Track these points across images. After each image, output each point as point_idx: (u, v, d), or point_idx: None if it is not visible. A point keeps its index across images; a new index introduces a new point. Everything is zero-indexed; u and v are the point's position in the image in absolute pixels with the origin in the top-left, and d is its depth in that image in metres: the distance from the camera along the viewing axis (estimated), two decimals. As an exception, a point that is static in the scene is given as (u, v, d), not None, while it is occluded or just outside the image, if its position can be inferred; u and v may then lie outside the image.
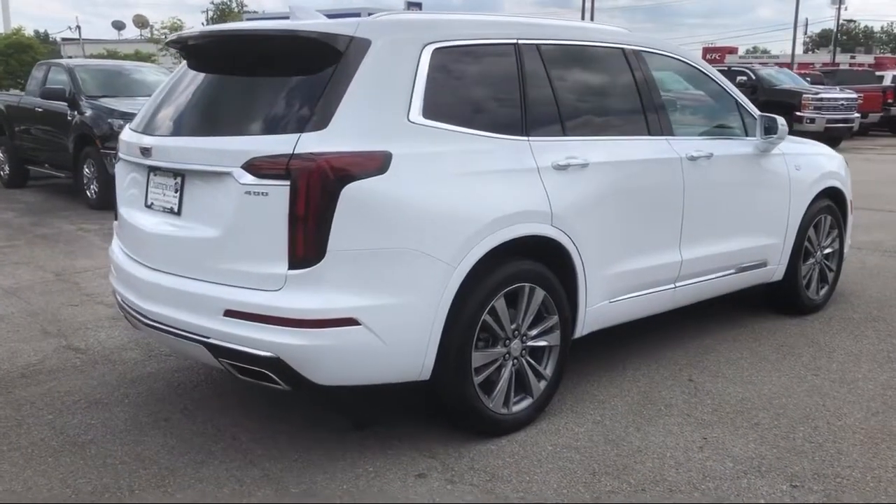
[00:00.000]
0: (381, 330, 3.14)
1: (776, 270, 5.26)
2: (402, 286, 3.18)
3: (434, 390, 3.43)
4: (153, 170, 3.55)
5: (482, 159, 3.48)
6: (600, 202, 3.91)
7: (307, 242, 3.00)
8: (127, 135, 3.86)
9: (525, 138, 3.67)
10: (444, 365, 3.34)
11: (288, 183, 2.99)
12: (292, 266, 3.03)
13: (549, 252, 3.72)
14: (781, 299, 5.49)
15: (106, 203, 9.89)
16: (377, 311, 3.13)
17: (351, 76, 3.16)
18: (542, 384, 3.78)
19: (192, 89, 3.60)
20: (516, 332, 3.62)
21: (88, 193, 10.24)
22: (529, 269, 3.60)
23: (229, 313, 3.16)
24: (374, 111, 3.20)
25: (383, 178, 3.11)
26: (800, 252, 5.37)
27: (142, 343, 4.98)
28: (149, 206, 3.59)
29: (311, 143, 3.03)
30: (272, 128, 3.14)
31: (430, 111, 3.32)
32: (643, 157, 4.22)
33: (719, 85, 4.94)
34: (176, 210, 3.41)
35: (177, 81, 3.75)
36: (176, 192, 3.41)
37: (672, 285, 4.48)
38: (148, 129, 3.62)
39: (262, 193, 3.04)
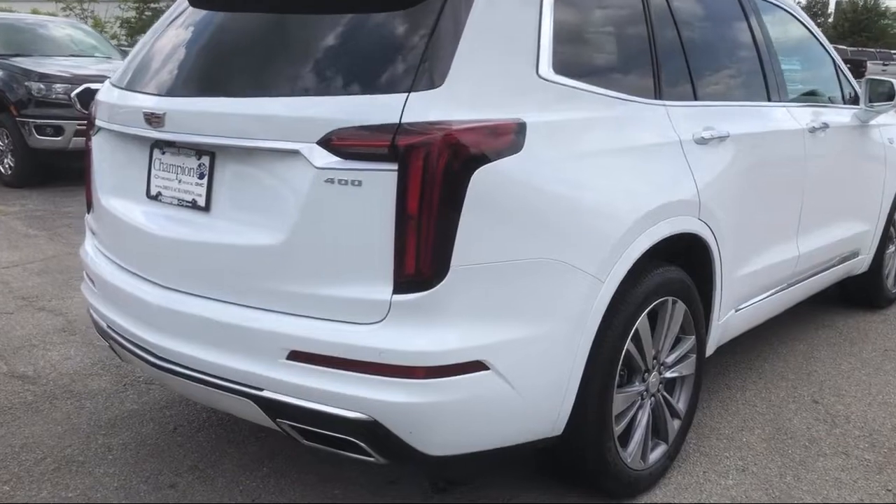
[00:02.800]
0: (514, 374, 2.20)
1: (864, 261, 4.52)
2: (539, 311, 2.25)
3: (564, 449, 2.50)
4: (162, 145, 2.47)
5: (626, 130, 2.56)
6: (739, 185, 3.04)
7: (423, 254, 2.02)
8: (110, 94, 2.75)
9: (660, 102, 2.75)
10: (580, 414, 2.43)
11: (395, 166, 2.00)
12: (400, 288, 2.04)
13: (687, 253, 2.82)
14: (861, 293, 4.77)
15: (24, 180, 8.53)
16: (509, 349, 2.19)
17: (466, 11, 2.16)
18: (676, 424, 2.91)
19: (225, 26, 2.52)
20: (655, 362, 2.73)
21: (2, 168, 8.80)
22: (674, 277, 2.70)
23: (296, 356, 2.16)
24: (499, 61, 2.22)
25: (518, 158, 2.15)
26: (885, 239, 4.64)
27: (109, 365, 3.88)
28: (154, 197, 2.52)
29: (424, 107, 2.04)
30: (363, 84, 2.13)
31: (561, 63, 2.37)
32: (772, 128, 3.37)
33: (821, 43, 4.12)
34: (202, 204, 2.36)
35: (191, 15, 2.64)
36: (201, 177, 2.36)
37: (786, 285, 3.66)
38: (150, 87, 2.53)
39: (353, 182, 2.04)
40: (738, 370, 3.89)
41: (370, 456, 2.21)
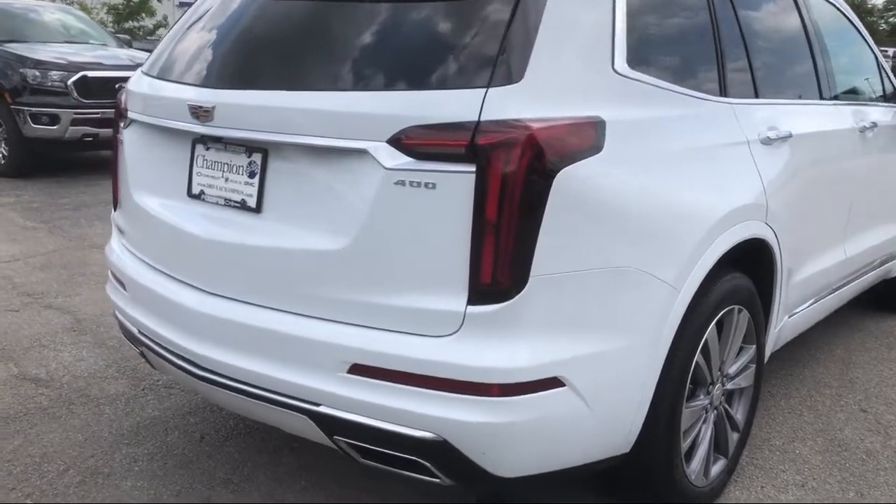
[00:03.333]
0: (590, 390, 2.06)
1: (899, 264, 4.42)
2: (617, 324, 2.11)
3: (630, 468, 2.36)
4: (207, 141, 2.30)
5: (698, 130, 2.43)
6: (798, 188, 2.92)
7: (501, 262, 1.87)
8: (144, 84, 2.57)
9: (727, 100, 2.61)
10: (650, 431, 2.29)
11: (473, 168, 1.84)
12: (476, 299, 1.89)
13: (749, 259, 2.69)
14: (893, 296, 4.67)
15: (18, 169, 8.30)
16: (586, 365, 2.05)
17: (543, 0, 2.01)
18: (735, 437, 2.78)
19: (281, 12, 2.33)
20: (718, 374, 2.60)
21: (-5, 158, 8.55)
22: (741, 284, 2.57)
23: (358, 370, 2.01)
24: (576, 54, 2.08)
25: (598, 159, 2.00)
26: (919, 241, 4.53)
27: (124, 368, 3.71)
28: (196, 196, 2.35)
29: (504, 103, 1.88)
30: (436, 78, 1.97)
31: (635, 58, 2.22)
32: (828, 127, 3.25)
33: (864, 38, 3.99)
34: (252, 204, 2.19)
35: None
36: (252, 176, 2.19)
37: (833, 289, 3.54)
38: (195, 77, 2.35)
39: (426, 185, 1.88)
40: (779, 377, 3.77)
41: (435, 477, 2.06)
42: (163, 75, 2.48)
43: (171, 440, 3.07)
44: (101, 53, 8.92)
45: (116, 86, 8.32)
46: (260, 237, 2.16)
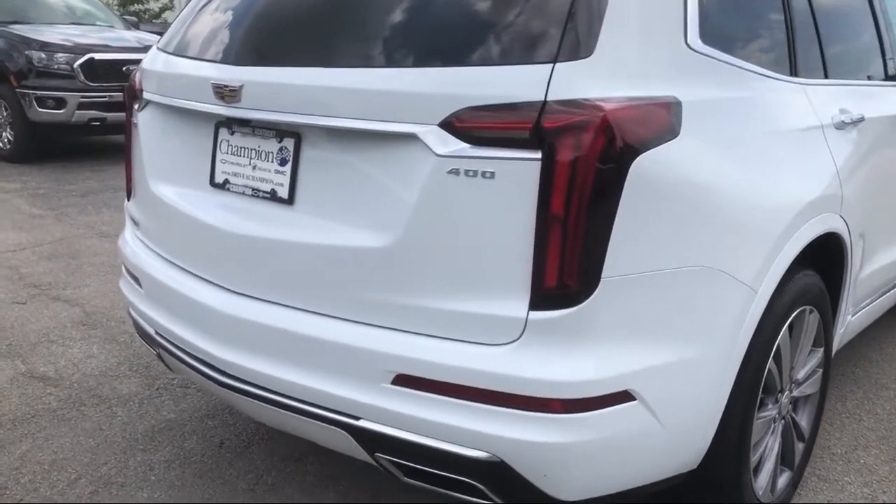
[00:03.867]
0: (661, 404, 1.84)
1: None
2: (692, 330, 1.89)
3: (695, 486, 2.14)
4: (232, 124, 2.08)
5: (772, 113, 2.20)
6: (869, 177, 2.69)
7: (569, 263, 1.65)
8: (160, 62, 2.35)
9: (798, 80, 2.38)
10: (719, 446, 2.07)
11: (538, 154, 1.62)
12: (539, 304, 1.67)
13: (818, 255, 2.46)
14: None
15: (24, 155, 8.08)
16: (658, 375, 1.83)
17: (612, -34, 1.78)
18: (801, 447, 2.56)
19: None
20: (789, 381, 2.38)
21: (0, 143, 8.34)
22: (812, 283, 2.35)
23: (404, 381, 1.80)
24: (648, 26, 1.85)
25: (675, 144, 1.77)
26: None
27: (137, 366, 3.50)
28: (219, 186, 2.13)
29: (573, 81, 1.66)
30: (495, 52, 1.74)
31: (707, 32, 1.99)
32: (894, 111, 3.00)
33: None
34: (283, 195, 1.97)
35: None
36: (283, 164, 1.97)
37: (892, 285, 3.31)
38: (217, 53, 2.12)
39: (484, 174, 1.66)
40: (832, 378, 3.54)
41: (488, 500, 1.85)
42: (182, 52, 2.25)
43: (188, 446, 2.87)
44: (108, 35, 8.68)
45: (124, 68, 8.11)
46: (292, 231, 1.94)
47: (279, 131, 1.97)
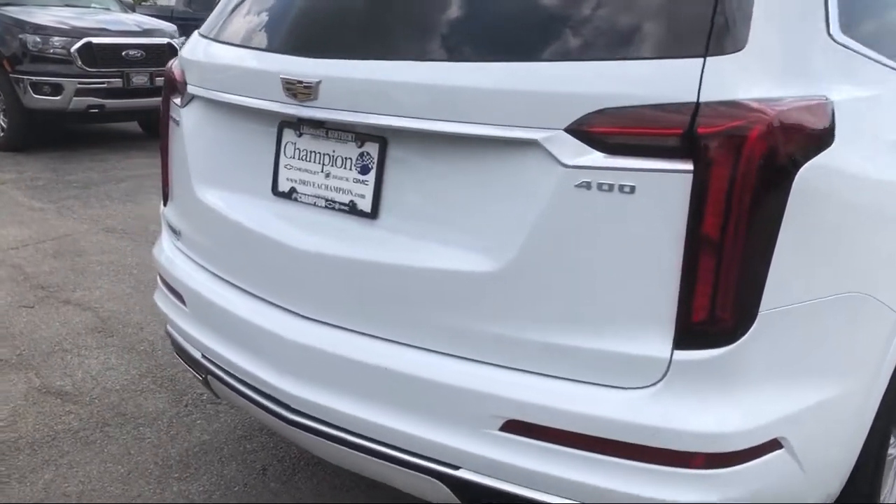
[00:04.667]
0: (805, 449, 1.61)
1: None
2: (840, 366, 1.65)
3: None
4: (300, 125, 1.80)
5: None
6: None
7: (723, 293, 1.40)
8: (209, 50, 2.07)
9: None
10: (851, 486, 1.83)
11: (689, 166, 1.36)
12: (686, 341, 1.43)
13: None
14: None
15: (18, 143, 7.73)
16: (804, 418, 1.59)
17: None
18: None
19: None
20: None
21: (-7, 130, 8.00)
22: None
23: (514, 427, 1.54)
24: (794, 16, 1.58)
25: (833, 152, 1.52)
26: None
27: (160, 378, 3.24)
28: (284, 195, 1.86)
29: (729, 77, 1.41)
30: (630, 44, 1.47)
31: (847, 23, 1.73)
32: None
33: None
34: (365, 208, 1.71)
35: None
36: (365, 171, 1.70)
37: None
38: (285, 42, 1.84)
39: (622, 188, 1.40)
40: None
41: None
42: (236, 40, 1.97)
43: (228, 473, 2.61)
44: (106, 18, 8.33)
45: (123, 53, 7.78)
46: (377, 251, 1.67)
47: (359, 134, 1.70)
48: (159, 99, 8.02)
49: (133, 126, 8.94)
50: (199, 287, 2.05)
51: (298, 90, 1.69)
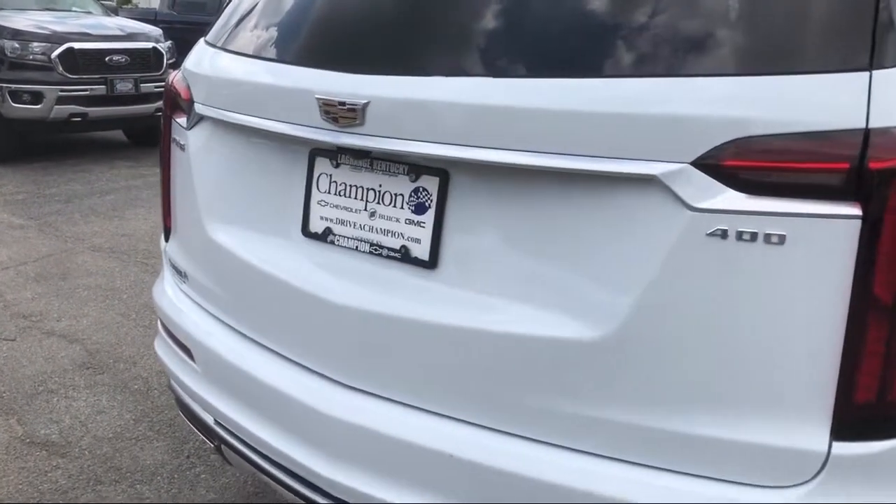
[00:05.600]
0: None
1: None
2: None
3: None
4: (338, 155, 1.48)
5: None
6: None
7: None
8: (226, 64, 1.74)
9: None
10: None
11: (856, 210, 1.05)
12: (848, 430, 1.13)
13: None
14: None
15: (-3, 155, 7.33)
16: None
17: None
18: None
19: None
20: None
21: (-32, 141, 7.59)
22: None
23: (621, 532, 1.22)
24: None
25: None
26: None
27: (156, 422, 2.91)
28: (317, 236, 1.54)
29: (899, 98, 1.08)
30: (775, 54, 1.16)
31: None
32: None
33: None
34: (421, 255, 1.39)
35: None
36: (421, 211, 1.39)
37: None
38: (324, 54, 1.51)
39: (768, 238, 1.10)
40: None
41: None
42: (256, 51, 1.65)
43: (241, 542, 2.28)
44: (87, 22, 7.95)
45: (107, 59, 7.41)
46: (437, 308, 1.36)
47: (414, 166, 1.39)
48: (145, 106, 7.83)
49: (117, 135, 8.57)
50: (212, 342, 1.73)
51: (340, 113, 1.37)
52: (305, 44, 1.53)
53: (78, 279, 4.41)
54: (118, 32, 7.82)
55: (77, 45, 7.33)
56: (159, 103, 7.86)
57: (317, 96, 1.40)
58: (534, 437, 1.29)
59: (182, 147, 1.83)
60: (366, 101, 1.34)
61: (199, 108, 1.75)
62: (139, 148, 8.30)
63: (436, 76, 1.32)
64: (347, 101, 1.35)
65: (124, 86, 7.53)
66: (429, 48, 1.37)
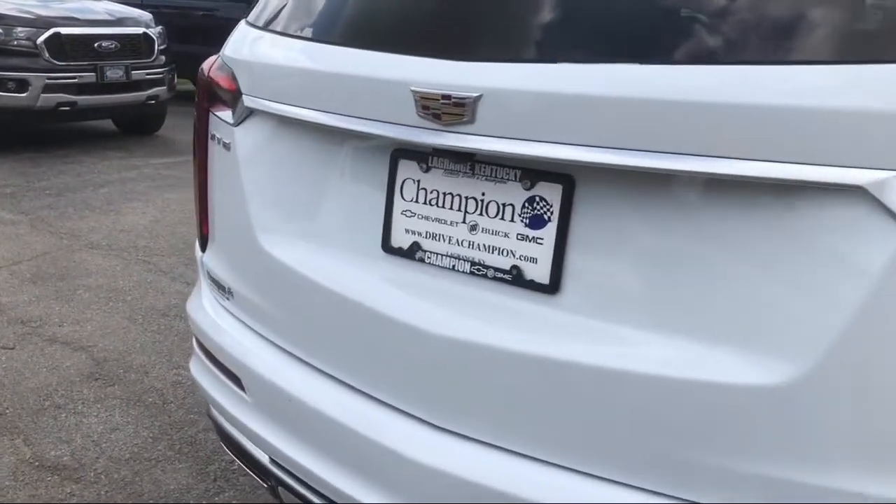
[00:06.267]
0: None
1: None
2: None
3: None
4: (431, 155, 1.25)
5: None
6: None
7: None
8: (278, 48, 1.50)
9: None
10: None
11: None
12: None
13: None
14: None
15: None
16: None
17: None
18: None
19: None
20: None
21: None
22: None
23: None
24: None
25: None
26: None
27: (178, 440, 2.68)
28: (401, 252, 1.32)
29: None
30: None
31: None
32: None
33: None
34: (538, 278, 1.17)
35: None
36: (536, 224, 1.17)
37: None
38: (413, 38, 1.27)
39: None
40: None
41: None
42: (324, 34, 1.41)
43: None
44: (73, 6, 7.61)
45: (96, 45, 7.10)
46: (560, 342, 1.14)
47: (528, 171, 1.16)
48: (136, 94, 7.52)
49: (107, 124, 8.26)
50: (267, 370, 1.50)
51: (443, 109, 1.13)
52: (394, 24, 1.30)
53: (77, 279, 4.15)
54: (107, 17, 7.50)
55: (64, 31, 7.01)
56: (151, 91, 7.56)
57: (412, 89, 1.17)
58: (682, 497, 1.08)
59: (226, 146, 1.59)
60: (478, 95, 1.11)
61: (248, 100, 1.51)
62: (130, 137, 8.00)
63: (568, 63, 1.09)
64: (454, 94, 1.12)
65: (115, 73, 7.22)
66: (560, 28, 1.14)
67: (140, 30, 7.55)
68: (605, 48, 1.09)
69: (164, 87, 7.70)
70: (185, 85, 8.58)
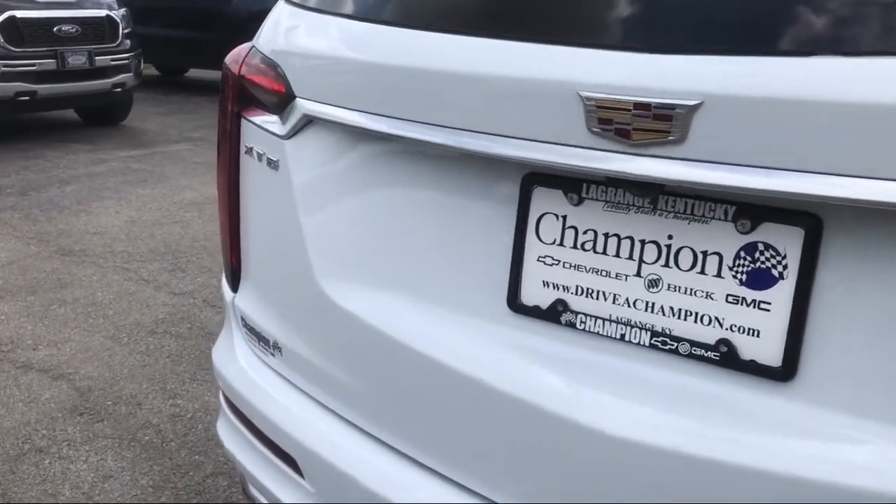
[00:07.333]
0: None
1: None
2: None
3: None
4: (583, 185, 0.89)
5: None
6: None
7: None
8: (351, 39, 1.13)
9: None
10: None
11: None
12: None
13: None
14: None
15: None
16: None
17: None
18: None
19: None
20: None
21: None
22: None
23: None
24: None
25: None
26: None
27: (184, 487, 2.32)
28: (541, 314, 0.96)
29: None
30: None
31: None
32: None
33: None
34: (767, 360, 0.83)
35: None
36: (762, 283, 0.83)
37: None
38: (580, 25, 0.91)
39: None
40: None
41: None
42: (428, 18, 1.04)
43: None
44: (30, -13, 7.08)
45: (55, 29, 6.60)
46: (803, 450, 0.79)
47: (748, 207, 0.81)
48: (100, 82, 7.01)
49: (69, 114, 7.75)
50: (341, 459, 1.15)
51: (637, 123, 0.79)
52: (543, 4, 0.93)
53: (50, 293, 3.73)
54: (66, -1, 6.98)
55: (20, 14, 6.50)
56: (116, 78, 7.08)
57: (582, 93, 0.81)
58: None
59: (272, 163, 1.22)
60: (696, 103, 0.76)
61: (306, 106, 1.15)
62: (95, 128, 7.51)
63: (837, 56, 0.74)
64: (654, 101, 0.77)
65: (77, 59, 6.73)
66: (821, 5, 0.78)
67: (103, 12, 7.05)
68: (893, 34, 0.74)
69: (131, 74, 7.23)
70: (151, 70, 8.09)
